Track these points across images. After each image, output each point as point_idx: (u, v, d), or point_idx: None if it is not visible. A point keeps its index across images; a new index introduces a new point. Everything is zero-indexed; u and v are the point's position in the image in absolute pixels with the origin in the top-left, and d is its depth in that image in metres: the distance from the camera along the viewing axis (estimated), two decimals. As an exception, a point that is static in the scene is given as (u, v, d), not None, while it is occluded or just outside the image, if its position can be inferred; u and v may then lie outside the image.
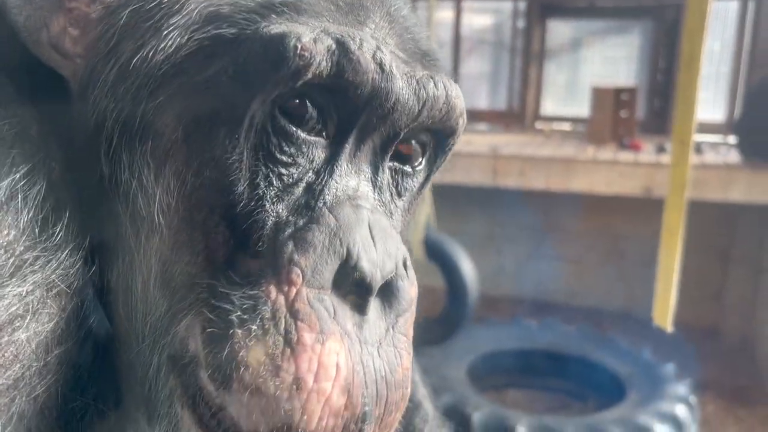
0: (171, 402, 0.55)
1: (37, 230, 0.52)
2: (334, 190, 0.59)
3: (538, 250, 6.47)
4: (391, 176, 0.68)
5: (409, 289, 0.60)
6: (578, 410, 4.50)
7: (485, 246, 6.32)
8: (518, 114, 7.18)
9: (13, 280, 0.49)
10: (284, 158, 0.57)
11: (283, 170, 0.57)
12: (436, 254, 4.30)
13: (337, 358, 0.53)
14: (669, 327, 2.24)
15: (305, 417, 0.51)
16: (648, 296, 2.42)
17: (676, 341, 3.65)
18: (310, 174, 0.58)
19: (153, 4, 0.56)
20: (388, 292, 0.59)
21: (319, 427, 0.52)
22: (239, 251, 0.55)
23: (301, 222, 0.56)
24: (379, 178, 0.65)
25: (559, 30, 7.28)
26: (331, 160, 0.60)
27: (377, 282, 0.57)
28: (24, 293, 0.49)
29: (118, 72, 0.56)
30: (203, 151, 0.54)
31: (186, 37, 0.55)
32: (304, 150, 0.58)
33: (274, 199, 0.56)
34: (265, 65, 0.54)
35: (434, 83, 0.63)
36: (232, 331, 0.51)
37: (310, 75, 0.55)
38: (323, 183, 0.59)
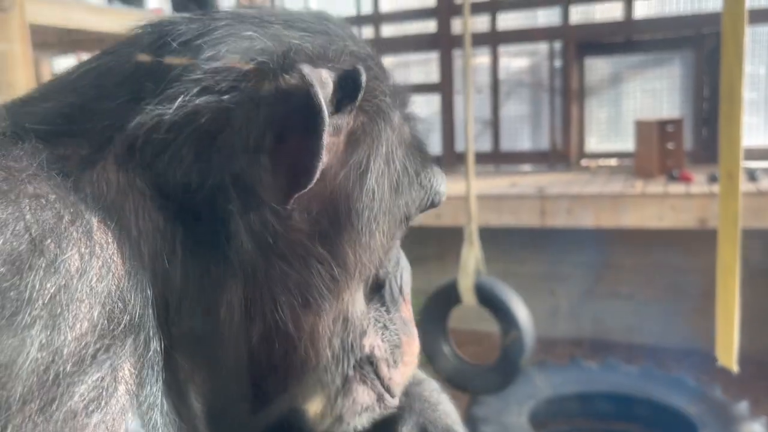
0: (349, 383, 0.83)
1: (108, 318, 0.58)
2: (398, 245, 0.93)
3: (593, 288, 6.33)
4: None
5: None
6: (648, 454, 4.32)
7: (538, 288, 6.23)
8: (562, 153, 7.14)
9: (90, 367, 0.55)
10: (399, 238, 0.90)
11: (397, 242, 0.90)
12: (488, 299, 4.26)
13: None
14: (734, 366, 2.14)
15: (414, 366, 0.93)
16: (710, 330, 2.34)
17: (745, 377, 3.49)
18: (399, 241, 0.91)
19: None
20: None
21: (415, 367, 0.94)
22: (384, 293, 0.89)
23: (397, 271, 0.91)
24: None
25: (597, 67, 7.28)
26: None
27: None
28: (98, 379, 0.55)
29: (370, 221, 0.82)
30: (387, 249, 0.85)
31: (411, 196, 0.86)
32: (403, 229, 0.89)
33: (393, 260, 0.90)
34: (430, 204, 0.89)
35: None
36: (402, 339, 0.90)
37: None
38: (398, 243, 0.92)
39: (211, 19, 0.74)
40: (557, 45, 7.21)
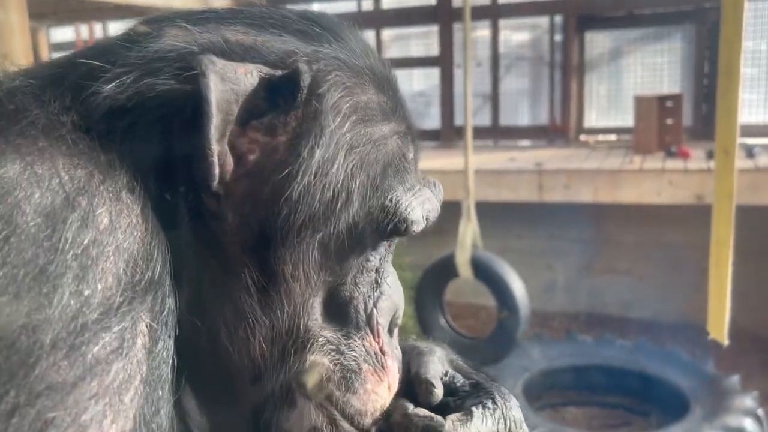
0: (292, 395, 0.79)
1: (131, 274, 0.62)
2: (387, 268, 0.87)
3: (590, 263, 6.37)
4: None
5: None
6: (640, 427, 4.39)
7: (535, 263, 6.26)
8: (561, 128, 7.13)
9: (113, 318, 0.59)
10: (372, 260, 0.84)
11: (369, 265, 0.84)
12: (484, 273, 4.29)
13: (396, 368, 0.87)
14: (725, 340, 2.17)
15: (386, 400, 0.84)
16: (706, 305, 2.36)
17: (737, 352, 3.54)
18: (377, 263, 0.85)
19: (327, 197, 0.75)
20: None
21: (388, 402, 0.85)
22: (348, 316, 0.83)
23: (375, 295, 0.86)
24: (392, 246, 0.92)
25: (597, 41, 7.23)
26: (386, 251, 0.86)
27: (400, 322, 0.90)
28: (121, 330, 0.59)
29: (303, 223, 0.75)
30: (338, 265, 0.79)
31: (360, 212, 0.77)
32: (379, 251, 0.84)
33: (364, 284, 0.84)
34: (394, 233, 0.81)
35: (439, 200, 0.89)
36: (361, 366, 0.82)
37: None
38: (383, 266, 0.86)
39: (178, 17, 0.78)
40: (558, 19, 7.16)
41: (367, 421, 0.83)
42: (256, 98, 0.71)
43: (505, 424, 0.84)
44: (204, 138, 0.67)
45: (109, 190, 0.63)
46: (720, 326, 2.13)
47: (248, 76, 0.70)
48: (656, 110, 5.94)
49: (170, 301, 0.67)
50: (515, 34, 7.64)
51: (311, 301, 0.79)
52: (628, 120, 6.54)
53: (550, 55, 7.26)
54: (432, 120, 7.49)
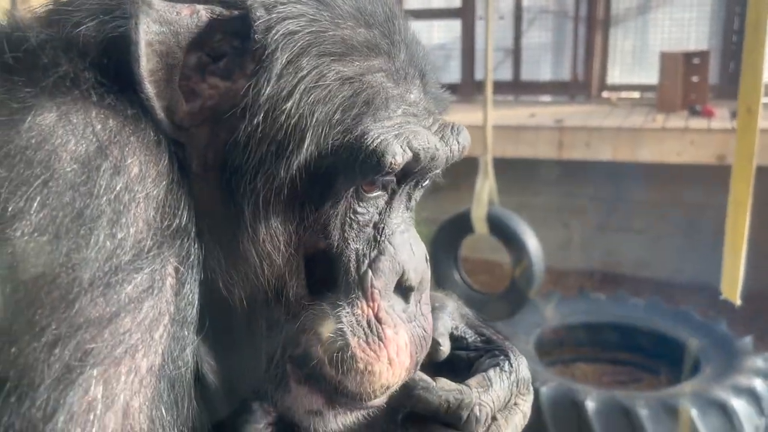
0: (286, 380, 0.78)
1: (160, 220, 0.66)
2: (390, 224, 0.81)
3: (607, 222, 6.34)
4: (413, 198, 0.88)
5: (428, 274, 0.85)
6: (650, 385, 4.43)
7: (551, 220, 6.24)
8: (583, 84, 7.00)
9: (144, 260, 0.63)
10: (361, 211, 0.78)
11: (360, 218, 0.78)
12: (499, 229, 4.29)
13: (405, 339, 0.79)
14: (738, 300, 2.16)
15: (393, 376, 0.78)
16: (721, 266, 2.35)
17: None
18: (375, 216, 0.80)
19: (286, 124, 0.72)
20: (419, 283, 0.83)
21: (399, 379, 0.79)
22: (336, 279, 0.78)
23: (373, 254, 0.79)
24: (410, 203, 0.86)
25: (625, -6, 7.03)
26: (388, 203, 0.81)
27: (416, 283, 0.81)
28: (151, 271, 0.64)
29: (258, 165, 0.72)
30: (312, 215, 0.76)
31: (319, 145, 0.73)
32: (373, 202, 0.79)
33: (354, 239, 0.78)
34: (367, 168, 0.74)
35: (458, 141, 0.84)
36: (348, 341, 0.76)
37: (392, 172, 0.77)
38: (384, 220, 0.80)
39: None
40: (584, -30, 6.96)
41: (372, 399, 0.78)
42: (213, 41, 0.71)
43: (517, 385, 0.86)
44: (138, 83, 0.67)
45: (139, 141, 0.66)
46: (733, 287, 2.13)
47: (194, 17, 0.69)
48: (682, 67, 5.80)
49: (195, 248, 0.70)
50: (540, -14, 7.44)
51: (292, 263, 0.76)
52: (652, 77, 6.41)
53: (575, 8, 7.08)
54: (452, 74, 7.38)
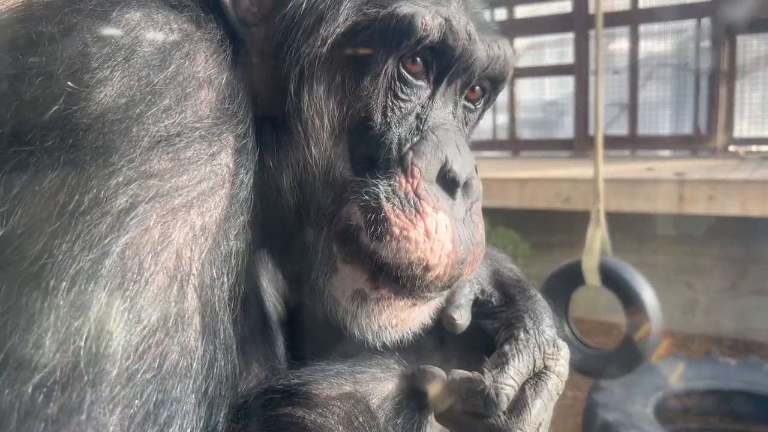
0: (333, 260, 0.82)
1: (221, 103, 0.75)
2: (433, 118, 0.85)
3: (736, 283, 5.85)
4: (462, 111, 0.92)
5: (479, 185, 0.87)
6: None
7: (673, 279, 5.86)
8: (706, 138, 6.65)
9: (205, 132, 0.72)
10: (403, 96, 0.83)
11: (402, 104, 0.83)
12: (613, 281, 4.07)
13: (446, 221, 0.80)
14: None
15: (432, 254, 0.79)
16: None
17: None
18: (418, 107, 0.84)
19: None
20: (467, 186, 0.85)
21: (440, 262, 0.79)
22: (378, 158, 0.82)
23: (415, 139, 0.83)
24: (457, 112, 0.90)
25: (751, 45, 6.70)
26: (431, 97, 0.85)
27: (462, 179, 0.83)
28: (212, 141, 0.72)
29: (302, 37, 0.81)
30: (354, 91, 0.81)
31: (353, 15, 0.80)
32: (415, 90, 0.84)
33: (397, 124, 0.83)
34: (400, 34, 0.79)
35: (498, 46, 0.88)
36: (382, 204, 0.79)
37: (427, 41, 0.80)
38: (426, 113, 0.85)
39: None
40: (705, 22, 6.72)
41: (413, 278, 0.78)
42: None
43: (540, 349, 0.84)
44: None
45: (207, 41, 0.77)
46: None
47: None
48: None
49: (251, 133, 0.78)
50: (656, 42, 7.25)
51: (338, 144, 0.82)
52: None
53: (696, 61, 6.82)
54: (566, 130, 7.27)
